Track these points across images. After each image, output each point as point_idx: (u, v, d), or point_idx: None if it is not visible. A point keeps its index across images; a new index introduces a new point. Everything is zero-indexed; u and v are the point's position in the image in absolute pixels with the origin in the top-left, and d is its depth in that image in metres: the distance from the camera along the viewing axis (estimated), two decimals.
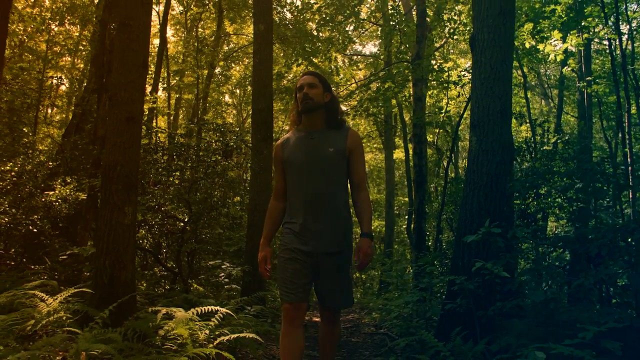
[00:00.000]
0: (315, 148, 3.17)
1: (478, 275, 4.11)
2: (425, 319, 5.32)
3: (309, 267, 3.10)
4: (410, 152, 13.23)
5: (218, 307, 4.06)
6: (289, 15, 16.11)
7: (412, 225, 9.45)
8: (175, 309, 4.17)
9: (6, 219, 7.98)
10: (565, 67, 12.76)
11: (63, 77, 19.04)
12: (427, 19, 10.55)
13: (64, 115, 19.88)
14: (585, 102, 11.28)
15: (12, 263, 7.56)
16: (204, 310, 4.07)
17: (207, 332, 3.86)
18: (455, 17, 11.36)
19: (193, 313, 3.94)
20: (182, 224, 8.01)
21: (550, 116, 18.25)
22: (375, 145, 21.94)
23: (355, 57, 18.45)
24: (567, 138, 11.02)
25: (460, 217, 5.05)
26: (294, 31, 14.48)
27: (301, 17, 12.96)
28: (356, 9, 11.19)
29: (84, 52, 18.30)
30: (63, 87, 21.04)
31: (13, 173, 8.83)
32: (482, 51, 5.06)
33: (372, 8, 14.09)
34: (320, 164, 3.14)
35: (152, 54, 16.16)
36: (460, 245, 4.76)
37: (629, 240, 3.88)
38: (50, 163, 9.65)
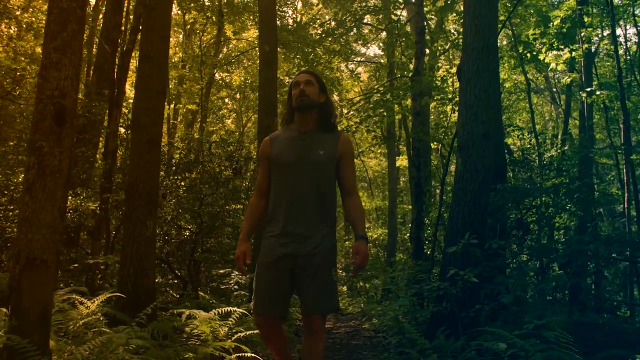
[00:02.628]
0: (306, 149, 3.27)
1: (459, 281, 5.15)
2: (416, 321, 6.37)
3: (288, 275, 3.20)
4: None
5: (235, 308, 5.10)
6: (291, 21, 17.27)
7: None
8: (197, 311, 5.23)
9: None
10: (566, 77, 13.78)
11: None
12: (427, 34, 11.58)
13: None
14: (586, 112, 12.28)
15: None
16: (222, 311, 5.13)
17: (226, 329, 4.91)
18: (461, 29, 12.39)
19: (214, 313, 4.99)
20: (187, 233, 9.07)
21: (558, 121, 19.28)
22: (379, 151, 23.02)
23: (358, 62, 19.50)
24: (566, 148, 12.05)
25: (448, 230, 6.10)
26: (296, 36, 15.54)
27: (303, 31, 14.02)
28: (357, 23, 12.27)
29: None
30: None
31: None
32: (468, 81, 6.11)
33: (376, 12, 15.08)
34: (309, 166, 3.24)
35: None
36: (446, 255, 5.81)
37: (587, 251, 4.92)
38: None
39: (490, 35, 6.18)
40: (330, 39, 12.85)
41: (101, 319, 5.24)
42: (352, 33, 13.06)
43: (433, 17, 12.39)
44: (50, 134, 3.49)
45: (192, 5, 16.62)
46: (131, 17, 12.13)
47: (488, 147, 5.99)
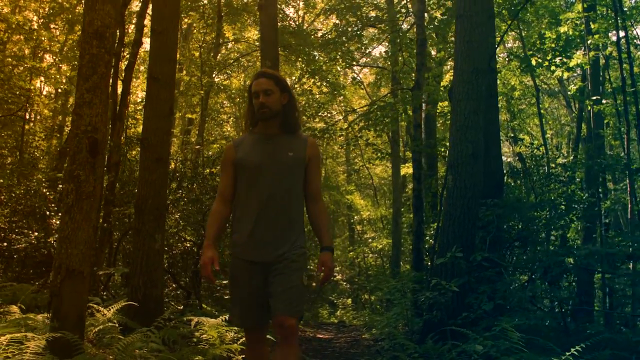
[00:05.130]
0: (273, 152, 3.45)
1: (446, 290, 6.16)
2: (412, 329, 7.38)
3: (262, 279, 3.37)
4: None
5: None
6: (293, 23, 18.35)
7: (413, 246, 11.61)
8: (204, 318, 6.25)
9: (24, 242, 10.05)
10: (572, 85, 14.77)
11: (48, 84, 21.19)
12: (430, 44, 12.61)
13: (49, 124, 21.71)
14: (592, 121, 13.24)
15: (37, 283, 9.63)
16: (227, 318, 6.14)
17: (232, 334, 5.93)
18: None
19: (221, 319, 6.01)
20: (188, 245, 10.10)
21: (572, 125, 20.24)
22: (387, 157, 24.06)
23: (361, 66, 20.56)
24: (571, 159, 12.99)
25: (440, 243, 7.11)
26: (298, 40, 16.58)
27: (305, 35, 15.09)
28: (359, 32, 13.37)
29: (69, 54, 20.14)
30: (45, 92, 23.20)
31: (28, 196, 10.99)
32: (458, 102, 7.11)
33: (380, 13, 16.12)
34: (277, 169, 3.41)
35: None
36: (438, 267, 6.82)
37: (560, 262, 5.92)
38: (60, 186, 11.80)
39: (481, 59, 7.18)
40: (330, 47, 13.90)
41: (116, 325, 6.26)
42: (353, 41, 14.15)
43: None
44: (86, 164, 4.51)
45: (192, 5, 17.68)
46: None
47: (477, 166, 6.98)
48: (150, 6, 10.69)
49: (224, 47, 21.32)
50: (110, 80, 10.79)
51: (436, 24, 11.59)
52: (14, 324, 4.88)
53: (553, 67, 12.53)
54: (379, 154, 14.19)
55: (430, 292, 6.42)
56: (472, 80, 7.07)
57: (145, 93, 8.27)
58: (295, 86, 18.21)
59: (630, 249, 7.23)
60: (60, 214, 10.46)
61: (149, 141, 7.22)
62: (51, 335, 3.96)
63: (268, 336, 5.35)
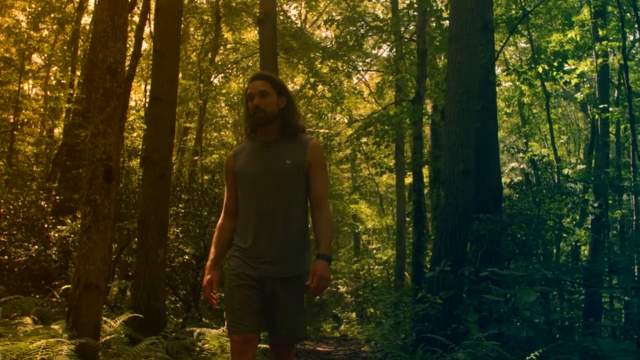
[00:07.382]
0: (270, 160, 3.48)
1: (434, 303, 7.12)
2: (403, 339, 8.36)
3: (260, 294, 3.41)
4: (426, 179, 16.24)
5: None
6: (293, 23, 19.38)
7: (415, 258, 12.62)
8: (206, 329, 7.24)
9: (24, 255, 11.01)
10: (579, 93, 15.71)
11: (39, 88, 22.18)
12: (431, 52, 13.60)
13: (38, 130, 22.59)
14: (600, 130, 14.13)
15: (37, 296, 10.58)
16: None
17: None
18: None
19: (222, 330, 6.99)
20: (186, 257, 11.08)
21: (588, 130, 21.15)
22: (392, 163, 25.01)
23: (365, 70, 21.58)
24: (579, 167, 13.89)
25: (432, 257, 8.08)
26: (300, 42, 17.57)
27: (307, 39, 16.11)
28: (361, 40, 14.40)
29: (59, 53, 21.05)
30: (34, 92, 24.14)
31: (25, 209, 11.97)
32: (450, 122, 8.07)
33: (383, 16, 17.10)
34: (275, 179, 3.45)
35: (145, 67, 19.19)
36: (429, 280, 7.79)
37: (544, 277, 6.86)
38: (57, 197, 12.82)
39: (472, 79, 8.13)
40: (332, 57, 14.92)
41: (122, 336, 7.25)
42: (355, 50, 15.19)
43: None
44: (102, 190, 5.50)
45: (189, 5, 18.64)
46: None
47: (468, 182, 7.92)
48: (149, 17, 11.71)
49: (222, 48, 22.33)
50: None
51: (437, 43, 12.56)
52: (36, 332, 5.85)
53: (559, 75, 13.39)
54: (379, 169, 15.11)
55: (421, 305, 7.38)
56: (463, 101, 8.01)
57: (145, 111, 9.24)
58: (299, 94, 19.22)
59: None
60: (58, 227, 11.57)
61: (151, 159, 8.18)
62: (78, 341, 4.92)
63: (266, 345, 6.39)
